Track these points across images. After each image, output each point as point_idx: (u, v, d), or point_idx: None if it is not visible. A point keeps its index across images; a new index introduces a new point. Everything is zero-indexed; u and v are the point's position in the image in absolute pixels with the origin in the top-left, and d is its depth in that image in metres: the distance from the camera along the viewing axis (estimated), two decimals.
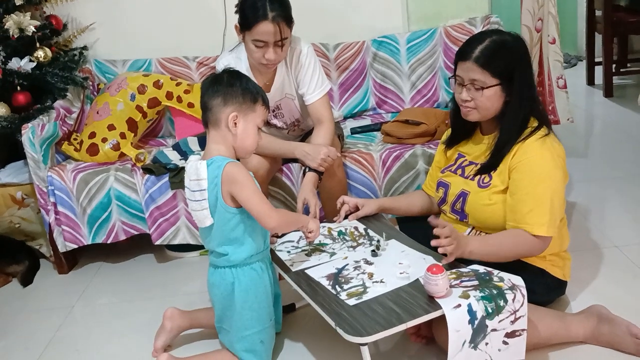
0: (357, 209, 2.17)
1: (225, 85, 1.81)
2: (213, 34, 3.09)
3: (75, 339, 2.25)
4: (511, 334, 1.65)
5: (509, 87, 1.85)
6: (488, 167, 1.91)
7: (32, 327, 2.34)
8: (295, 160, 2.49)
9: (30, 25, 2.69)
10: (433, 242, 1.72)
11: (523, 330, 1.66)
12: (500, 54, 1.85)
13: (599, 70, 4.45)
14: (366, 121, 3.01)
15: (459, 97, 1.92)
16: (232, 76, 1.84)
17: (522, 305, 1.65)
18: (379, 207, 2.19)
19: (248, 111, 1.82)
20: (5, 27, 2.66)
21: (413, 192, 2.41)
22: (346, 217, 2.17)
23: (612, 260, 2.32)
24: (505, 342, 1.64)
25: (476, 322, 1.59)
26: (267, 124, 2.50)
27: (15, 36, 2.68)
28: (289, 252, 2.02)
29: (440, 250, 1.73)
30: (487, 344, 1.62)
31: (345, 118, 3.08)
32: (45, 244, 2.75)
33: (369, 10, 3.16)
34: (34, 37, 2.73)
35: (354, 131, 2.90)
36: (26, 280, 2.68)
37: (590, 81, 4.62)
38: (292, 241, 2.09)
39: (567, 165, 1.91)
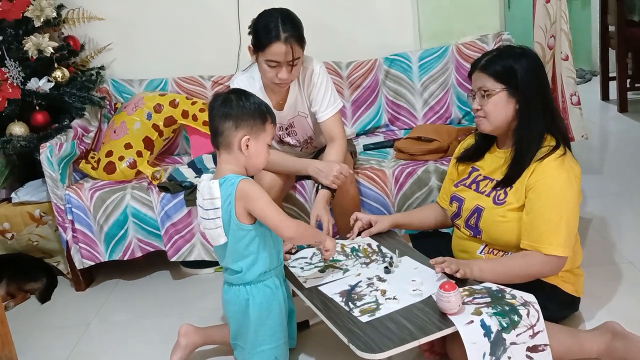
0: (370, 225, 2.18)
1: (235, 108, 1.81)
2: (228, 54, 3.14)
3: (92, 356, 2.27)
4: (534, 349, 1.64)
5: (517, 93, 1.86)
6: (505, 182, 1.90)
7: (50, 344, 2.36)
8: (308, 177, 2.51)
9: (49, 47, 2.74)
10: (431, 261, 1.83)
11: (546, 345, 1.65)
12: (503, 59, 1.88)
13: (613, 86, 4.44)
14: (379, 138, 3.03)
15: (472, 108, 1.94)
16: (240, 98, 1.84)
17: (538, 320, 1.65)
18: (392, 223, 2.20)
19: (259, 132, 1.84)
20: (25, 48, 2.72)
21: (427, 206, 2.41)
22: (359, 233, 2.18)
23: (626, 277, 2.31)
24: (529, 357, 1.64)
25: (492, 335, 1.59)
26: (281, 142, 2.53)
27: (34, 57, 2.74)
28: (302, 268, 2.03)
29: (437, 269, 1.78)
30: (509, 357, 1.61)
31: (358, 135, 3.10)
32: (63, 261, 2.78)
33: (381, 28, 3.19)
34: (52, 58, 2.79)
35: (366, 148, 2.91)
36: (44, 297, 2.71)
37: (605, 96, 4.61)
38: (306, 257, 2.11)
39: (582, 180, 1.91)
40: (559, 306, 1.92)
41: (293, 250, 2.15)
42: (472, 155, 2.08)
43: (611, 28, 4.37)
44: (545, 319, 1.70)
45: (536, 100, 1.86)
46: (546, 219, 1.80)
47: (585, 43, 5.39)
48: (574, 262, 1.94)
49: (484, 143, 2.04)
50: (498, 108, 1.88)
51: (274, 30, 2.18)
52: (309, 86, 2.39)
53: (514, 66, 1.85)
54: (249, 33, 2.28)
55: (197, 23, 3.18)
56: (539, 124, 1.87)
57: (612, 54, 4.42)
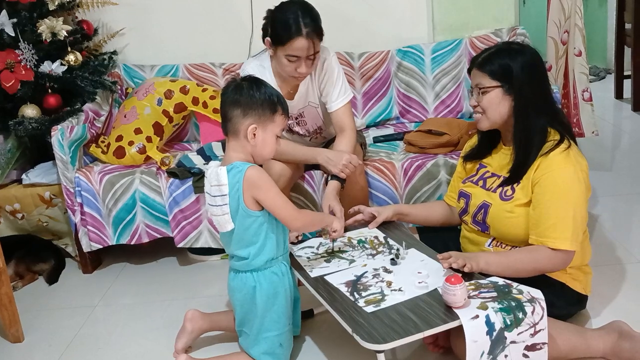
0: (373, 217, 2.17)
1: (245, 95, 1.81)
2: (239, 41, 3.13)
3: (97, 337, 2.29)
4: (531, 347, 1.64)
5: (512, 91, 1.85)
6: (510, 180, 1.90)
7: (56, 325, 2.38)
8: (317, 167, 2.51)
9: (63, 30, 2.75)
10: (438, 256, 1.81)
11: (544, 343, 1.65)
12: (499, 56, 1.88)
13: (627, 84, 4.40)
14: (389, 130, 3.02)
15: (470, 104, 1.95)
16: (251, 86, 1.83)
17: (541, 318, 1.64)
18: (395, 211, 2.18)
19: (267, 122, 1.83)
20: (39, 31, 2.72)
21: (433, 202, 2.41)
22: (366, 225, 2.18)
23: (635, 276, 2.29)
24: (525, 356, 1.64)
25: (494, 333, 1.58)
26: (290, 131, 2.53)
27: (48, 40, 2.74)
28: (308, 258, 2.04)
29: (444, 265, 1.77)
30: (506, 356, 1.61)
31: (368, 127, 3.10)
32: (71, 244, 2.80)
33: (395, 20, 3.17)
34: (66, 42, 2.79)
35: (376, 140, 2.91)
36: (52, 278, 2.74)
37: (619, 94, 4.57)
38: (312, 247, 2.11)
39: (593, 178, 1.89)
40: (566, 303, 1.91)
41: (296, 241, 2.15)
42: (477, 154, 2.08)
43: (627, 25, 4.32)
44: (552, 316, 1.70)
45: (533, 97, 1.86)
46: (552, 212, 1.79)
47: (600, 40, 5.34)
48: (582, 260, 1.93)
49: (488, 140, 2.04)
50: (493, 105, 1.88)
51: (295, 26, 2.16)
52: (320, 76, 2.39)
53: (509, 64, 1.85)
54: (265, 25, 2.27)
55: (210, 10, 3.18)
56: (539, 120, 1.86)
57: (627, 52, 4.38)
